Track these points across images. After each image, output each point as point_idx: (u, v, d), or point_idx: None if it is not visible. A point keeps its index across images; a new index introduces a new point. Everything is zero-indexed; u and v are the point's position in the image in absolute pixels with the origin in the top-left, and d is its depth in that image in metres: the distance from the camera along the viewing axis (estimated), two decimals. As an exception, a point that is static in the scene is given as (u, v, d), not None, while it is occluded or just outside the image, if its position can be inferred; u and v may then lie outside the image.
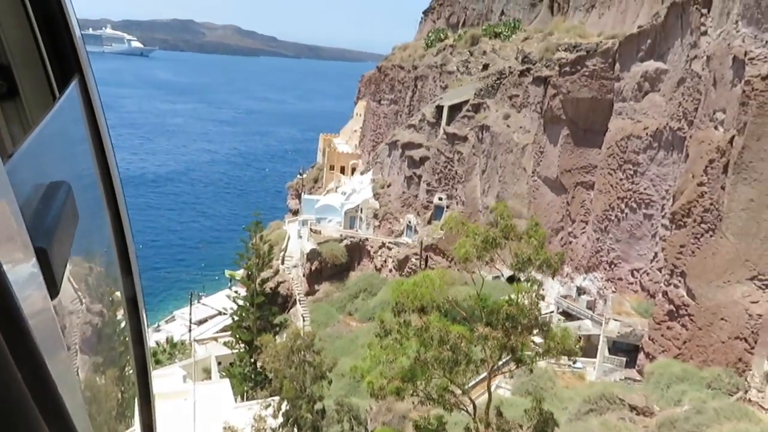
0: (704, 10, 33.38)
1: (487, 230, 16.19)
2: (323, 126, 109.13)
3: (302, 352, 27.18)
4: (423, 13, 78.13)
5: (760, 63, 28.45)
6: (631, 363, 33.41)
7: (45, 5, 1.67)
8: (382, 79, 71.69)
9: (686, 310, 30.42)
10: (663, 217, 35.19)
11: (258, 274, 39.02)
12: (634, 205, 37.29)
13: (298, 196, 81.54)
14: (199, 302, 58.24)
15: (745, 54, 29.09)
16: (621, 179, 38.13)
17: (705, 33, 33.36)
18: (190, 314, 52.26)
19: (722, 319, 28.99)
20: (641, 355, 32.70)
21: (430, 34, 65.69)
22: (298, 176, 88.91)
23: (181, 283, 70.85)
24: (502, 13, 60.25)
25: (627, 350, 33.94)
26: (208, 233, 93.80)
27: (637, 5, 46.08)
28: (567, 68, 41.07)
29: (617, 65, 38.98)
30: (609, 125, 39.46)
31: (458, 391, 16.48)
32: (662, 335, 31.68)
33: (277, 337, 33.39)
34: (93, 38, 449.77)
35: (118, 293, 2.00)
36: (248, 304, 39.26)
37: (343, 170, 76.04)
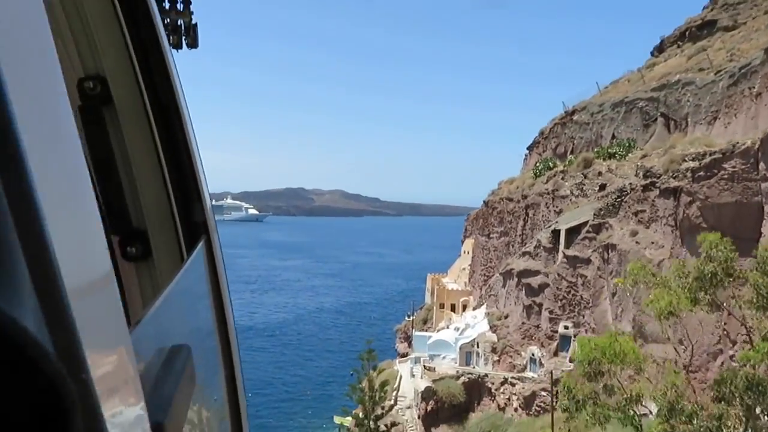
0: None
1: (701, 264, 12.96)
2: (427, 272, 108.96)
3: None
4: (528, 148, 78.25)
5: None
6: None
7: (182, 172, 1.86)
8: (489, 213, 70.49)
9: None
10: None
11: (372, 408, 35.60)
12: None
13: (407, 339, 78.41)
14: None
15: None
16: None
17: None
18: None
19: None
20: None
21: (537, 164, 64.79)
22: (407, 318, 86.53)
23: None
24: (613, 137, 58.60)
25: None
26: (315, 381, 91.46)
27: (769, 109, 42.97)
28: (702, 173, 37.77)
29: (761, 165, 35.30)
30: (762, 230, 34.87)
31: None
32: None
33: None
34: (216, 208, 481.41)
35: None
36: (361, 443, 35.48)
37: (453, 308, 72.92)
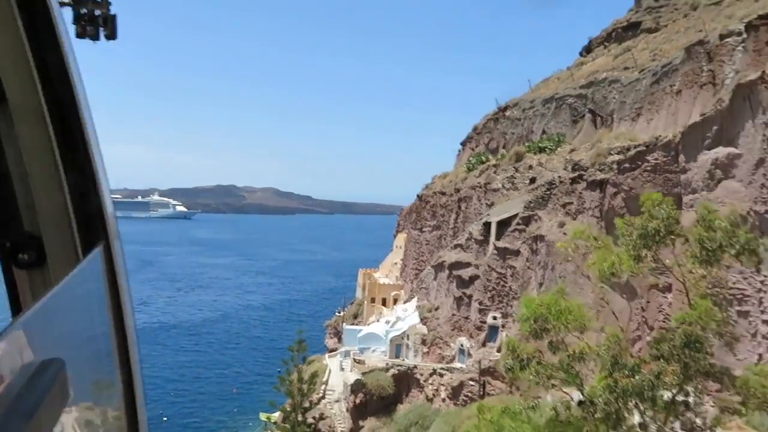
0: (774, 89, 31.31)
1: (645, 222, 12.60)
2: (359, 269, 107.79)
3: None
4: (461, 144, 78.79)
5: None
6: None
7: (80, 173, 1.80)
8: (423, 207, 70.41)
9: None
10: (763, 312, 30.39)
11: (301, 400, 34.32)
12: (724, 303, 32.54)
13: (337, 335, 77.29)
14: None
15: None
16: (703, 276, 33.77)
17: (779, 110, 30.99)
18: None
19: None
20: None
21: (470, 159, 65.18)
22: (337, 314, 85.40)
23: (215, 429, 64.98)
24: (543, 132, 59.67)
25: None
26: (242, 379, 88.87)
27: (688, 106, 44.56)
28: (627, 165, 38.69)
29: (681, 156, 36.45)
30: (681, 219, 35.92)
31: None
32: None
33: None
34: (141, 205, 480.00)
35: None
36: (287, 436, 34.10)
37: (384, 302, 72.42)
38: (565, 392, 15.14)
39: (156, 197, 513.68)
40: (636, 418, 12.65)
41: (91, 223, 1.83)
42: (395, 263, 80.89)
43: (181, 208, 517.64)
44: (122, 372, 1.84)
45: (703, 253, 12.70)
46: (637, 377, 11.04)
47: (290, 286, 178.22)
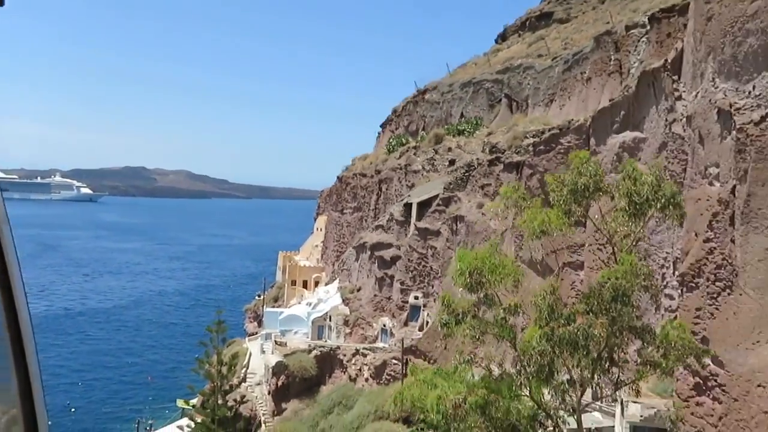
0: (675, 77, 33.51)
1: (575, 178, 13.16)
2: (276, 256, 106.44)
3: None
4: (381, 126, 79.14)
5: (749, 111, 27.78)
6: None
7: None
8: (343, 189, 70.37)
9: (716, 381, 26.96)
10: (665, 287, 32.72)
11: (221, 383, 33.75)
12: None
13: (257, 319, 76.24)
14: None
15: (731, 105, 28.53)
16: (611, 254, 35.94)
17: (679, 98, 33.22)
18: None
19: (759, 385, 25.59)
20: (671, 441, 28.48)
21: (391, 141, 65.66)
22: (257, 298, 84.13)
23: (128, 421, 62.63)
24: (462, 115, 61.01)
25: (651, 439, 29.74)
26: (157, 367, 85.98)
27: (597, 93, 46.95)
28: (541, 147, 40.32)
29: (592, 140, 38.40)
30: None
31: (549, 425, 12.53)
32: (692, 413, 27.85)
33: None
34: (41, 186, 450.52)
35: None
36: (210, 421, 33.49)
37: (305, 285, 72.09)
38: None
39: (58, 178, 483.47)
40: (565, 377, 13.35)
41: None
42: (316, 246, 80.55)
43: (86, 191, 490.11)
44: (16, 364, 1.79)
45: (631, 207, 13.50)
46: (571, 326, 11.66)
47: (207, 272, 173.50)
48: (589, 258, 37.68)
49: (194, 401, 47.30)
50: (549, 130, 40.97)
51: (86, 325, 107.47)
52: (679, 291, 30.31)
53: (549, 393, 12.89)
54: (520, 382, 12.21)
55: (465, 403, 11.58)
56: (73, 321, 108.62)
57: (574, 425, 14.64)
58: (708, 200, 29.11)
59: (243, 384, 47.26)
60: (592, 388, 14.80)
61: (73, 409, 64.72)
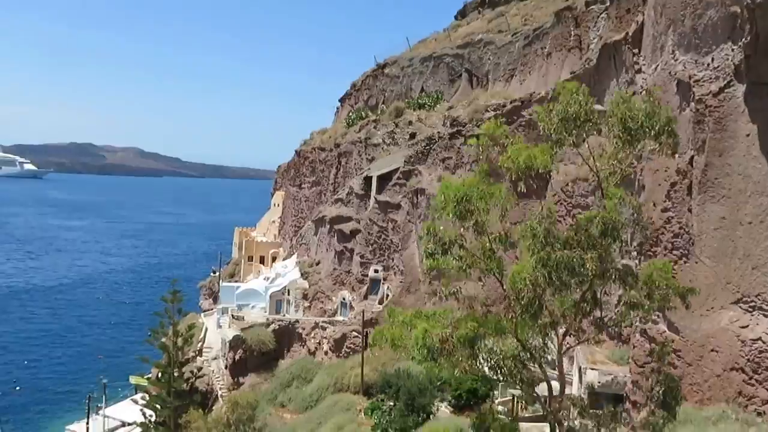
0: (635, 50, 33.80)
1: (566, 106, 12.81)
2: (231, 235, 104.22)
3: (243, 426, 21.56)
4: (339, 100, 78.02)
5: (707, 83, 28.21)
6: (615, 417, 29.72)
7: None
8: (302, 163, 69.29)
9: (671, 347, 27.63)
10: (623, 256, 33.30)
11: (177, 354, 32.83)
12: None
13: (212, 295, 74.81)
14: (98, 413, 49.21)
15: (690, 77, 28.92)
16: (571, 225, 36.36)
17: (639, 71, 33.54)
18: (88, 424, 43.58)
19: (713, 350, 26.29)
20: (627, 406, 29.16)
21: (350, 114, 64.79)
22: (212, 274, 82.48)
23: (76, 397, 60.76)
24: (422, 90, 60.57)
25: (605, 404, 30.32)
26: (107, 344, 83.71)
27: (558, 68, 47.11)
28: (503, 119, 40.22)
29: (553, 113, 38.50)
30: (552, 173, 38.26)
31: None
32: (648, 379, 28.53)
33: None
34: None
35: None
36: (165, 393, 32.61)
37: (262, 260, 70.98)
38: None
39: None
40: (546, 320, 13.20)
41: None
42: (273, 221, 79.35)
43: (30, 167, 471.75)
44: None
45: (625, 134, 13.24)
46: (568, 251, 11.42)
47: (159, 249, 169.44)
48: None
49: (149, 376, 46.14)
50: (511, 102, 40.96)
51: (31, 303, 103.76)
52: (637, 261, 30.88)
53: (532, 336, 12.75)
54: (506, 321, 11.97)
55: (452, 338, 11.29)
56: (18, 299, 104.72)
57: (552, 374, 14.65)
58: (666, 171, 29.54)
59: (199, 358, 46.33)
60: (574, 330, 14.75)
61: (18, 388, 62.45)
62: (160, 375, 32.67)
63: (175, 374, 32.11)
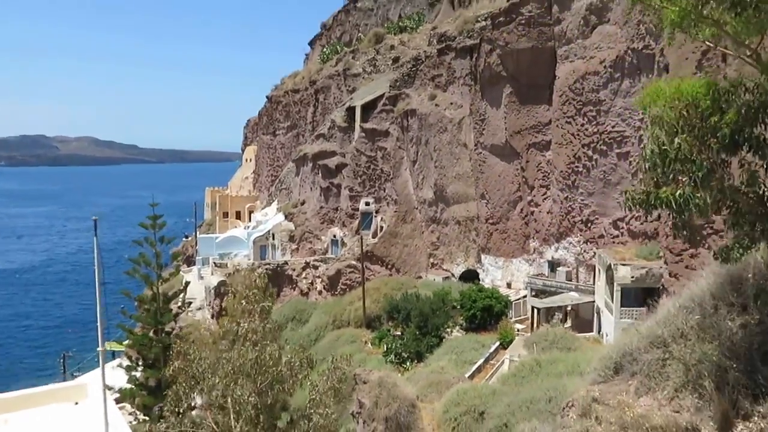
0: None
1: None
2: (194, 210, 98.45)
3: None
4: (309, 44, 73.80)
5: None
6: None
7: None
8: (274, 109, 65.22)
9: (712, 228, 25.24)
10: (644, 148, 30.75)
11: (160, 285, 29.28)
12: (604, 148, 32.80)
13: (187, 261, 70.79)
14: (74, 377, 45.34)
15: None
16: (583, 125, 33.72)
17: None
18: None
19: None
20: (664, 299, 26.79)
21: (324, 50, 60.88)
22: (184, 239, 78.16)
23: (51, 375, 56.47)
24: (400, 17, 56.97)
25: (637, 301, 27.93)
26: (77, 318, 79.07)
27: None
28: (501, 18, 37.17)
29: (555, 7, 35.58)
30: (557, 72, 35.44)
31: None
32: (686, 267, 26.19)
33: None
34: None
35: None
36: (151, 332, 29.08)
37: (238, 216, 67.12)
38: None
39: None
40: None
41: None
42: (246, 177, 75.31)
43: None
44: None
45: None
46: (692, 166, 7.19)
47: (125, 229, 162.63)
48: (557, 133, 35.34)
49: (125, 343, 42.34)
50: (507, 1, 37.80)
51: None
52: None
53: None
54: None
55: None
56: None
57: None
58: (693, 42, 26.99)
59: (185, 309, 42.60)
60: None
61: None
62: (144, 311, 29.12)
63: (163, 308, 28.65)
